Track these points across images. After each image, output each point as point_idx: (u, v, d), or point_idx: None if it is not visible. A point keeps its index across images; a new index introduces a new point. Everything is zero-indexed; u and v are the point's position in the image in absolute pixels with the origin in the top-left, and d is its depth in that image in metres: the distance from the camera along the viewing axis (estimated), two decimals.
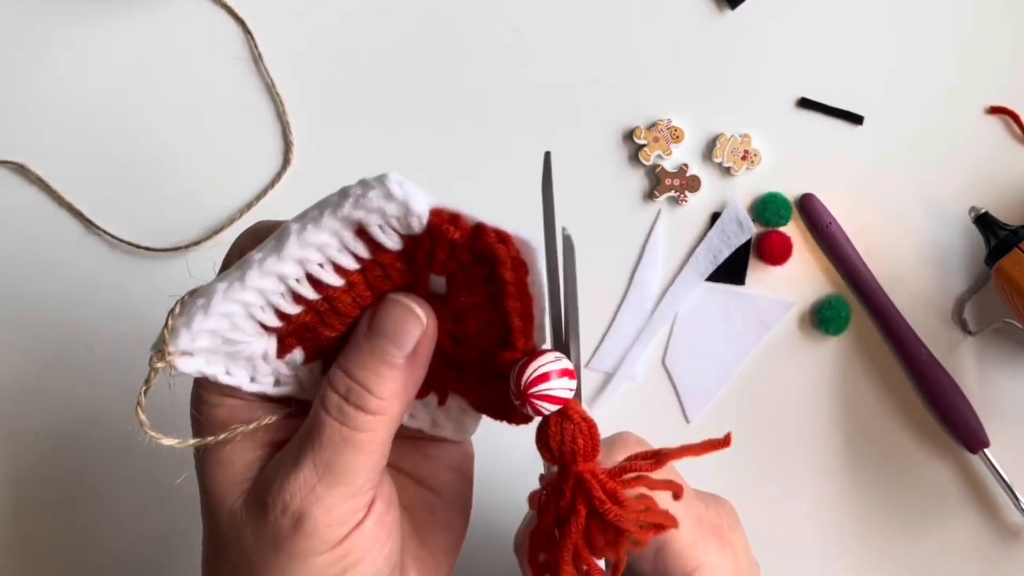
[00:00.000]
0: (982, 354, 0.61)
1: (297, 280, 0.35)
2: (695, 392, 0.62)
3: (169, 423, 0.40)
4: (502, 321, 0.36)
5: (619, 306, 0.62)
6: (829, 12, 0.62)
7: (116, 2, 0.63)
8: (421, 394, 0.38)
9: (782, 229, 0.62)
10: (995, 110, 0.61)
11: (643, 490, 0.37)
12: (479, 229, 0.35)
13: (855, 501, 0.62)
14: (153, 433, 0.37)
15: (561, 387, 0.36)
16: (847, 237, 0.61)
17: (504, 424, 0.39)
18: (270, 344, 0.37)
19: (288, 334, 0.37)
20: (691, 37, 0.62)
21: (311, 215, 0.36)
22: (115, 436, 0.63)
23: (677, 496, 0.37)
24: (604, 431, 0.40)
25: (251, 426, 0.38)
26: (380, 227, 0.35)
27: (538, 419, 0.36)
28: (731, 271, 0.62)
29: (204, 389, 0.39)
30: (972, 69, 0.62)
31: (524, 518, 0.45)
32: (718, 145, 0.61)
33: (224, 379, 0.37)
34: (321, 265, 0.35)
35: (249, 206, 0.62)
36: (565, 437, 0.36)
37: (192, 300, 0.36)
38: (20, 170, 0.63)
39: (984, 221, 0.59)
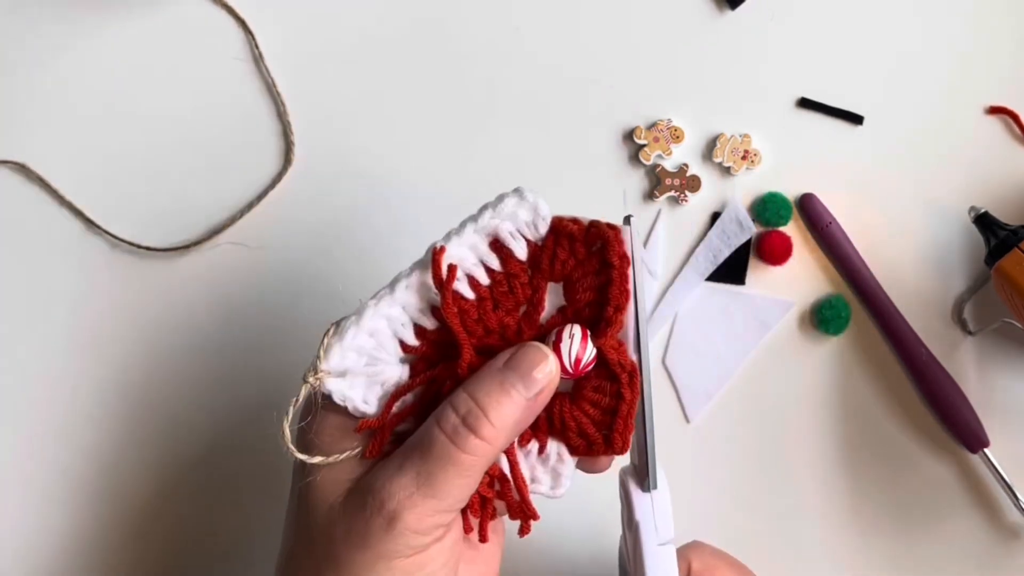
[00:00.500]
0: (982, 354, 0.61)
1: (435, 292, 0.41)
2: (695, 392, 0.62)
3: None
4: (603, 314, 0.42)
5: None
6: (829, 12, 0.62)
7: (116, 2, 0.63)
8: (524, 439, 0.42)
9: (782, 229, 0.62)
10: (995, 110, 0.61)
11: None
12: (593, 223, 0.42)
13: (855, 501, 0.62)
14: (296, 451, 0.40)
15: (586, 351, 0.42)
16: (847, 237, 0.61)
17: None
18: (404, 372, 0.41)
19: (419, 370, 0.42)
20: (691, 37, 0.62)
21: (452, 231, 0.41)
22: (115, 436, 0.63)
23: None
24: None
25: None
26: (511, 233, 0.41)
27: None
28: (731, 271, 0.62)
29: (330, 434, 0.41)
30: (972, 69, 0.62)
31: (620, 539, 0.48)
32: (718, 145, 0.61)
33: (361, 407, 0.41)
34: (458, 279, 0.41)
35: (249, 206, 0.62)
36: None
37: (344, 320, 0.40)
38: (21, 170, 0.63)
39: (984, 221, 0.59)
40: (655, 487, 0.44)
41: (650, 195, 0.62)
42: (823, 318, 0.61)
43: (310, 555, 0.40)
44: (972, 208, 0.59)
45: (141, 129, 0.63)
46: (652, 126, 0.62)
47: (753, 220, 0.61)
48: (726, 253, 0.62)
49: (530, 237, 0.42)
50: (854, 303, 0.62)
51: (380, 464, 0.40)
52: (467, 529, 0.42)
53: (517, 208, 0.41)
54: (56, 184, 0.63)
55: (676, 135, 0.61)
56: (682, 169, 0.62)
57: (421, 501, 0.38)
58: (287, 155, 0.63)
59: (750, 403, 0.62)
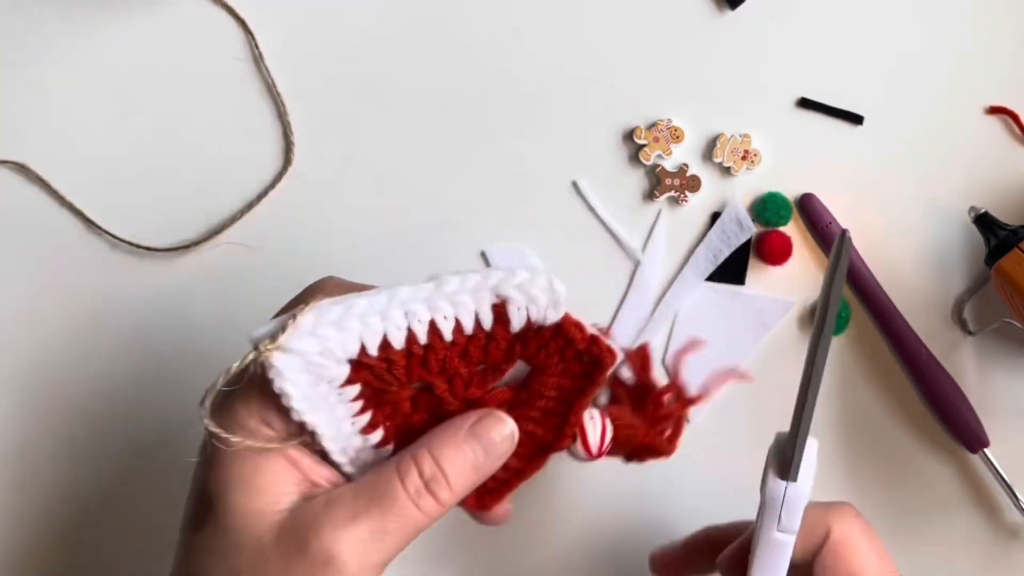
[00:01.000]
0: (982, 354, 0.61)
1: (420, 321, 0.40)
2: (695, 392, 0.62)
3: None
4: (564, 413, 0.43)
5: (619, 306, 0.62)
6: (829, 12, 0.62)
7: (116, 2, 0.63)
8: None
9: (782, 229, 0.62)
10: (995, 110, 0.61)
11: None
12: (595, 339, 0.43)
13: (855, 500, 0.61)
14: (215, 428, 0.39)
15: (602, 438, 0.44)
16: None
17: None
18: (344, 372, 0.40)
19: (375, 403, 0.41)
20: (691, 37, 0.62)
21: (470, 274, 0.41)
22: (116, 435, 0.63)
23: None
24: None
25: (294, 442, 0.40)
26: (519, 308, 0.41)
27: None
28: (731, 271, 0.62)
29: (248, 414, 0.39)
30: (972, 69, 0.62)
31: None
32: (718, 145, 0.61)
33: (302, 412, 0.39)
34: (445, 317, 0.40)
35: (249, 206, 0.62)
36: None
37: (327, 304, 0.39)
38: (21, 170, 0.63)
39: (984, 221, 0.59)
40: (794, 479, 0.45)
41: (650, 195, 0.62)
42: None
43: None
44: (972, 208, 0.59)
45: (141, 129, 0.63)
46: (652, 126, 0.62)
47: (753, 220, 0.61)
48: (726, 253, 0.62)
49: (533, 317, 0.42)
50: (854, 303, 0.62)
51: (320, 505, 0.39)
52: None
53: (540, 293, 0.41)
54: (56, 184, 0.63)
55: (676, 135, 0.61)
56: (682, 169, 0.62)
57: (373, 555, 0.38)
58: (287, 155, 0.63)
59: (750, 403, 0.62)
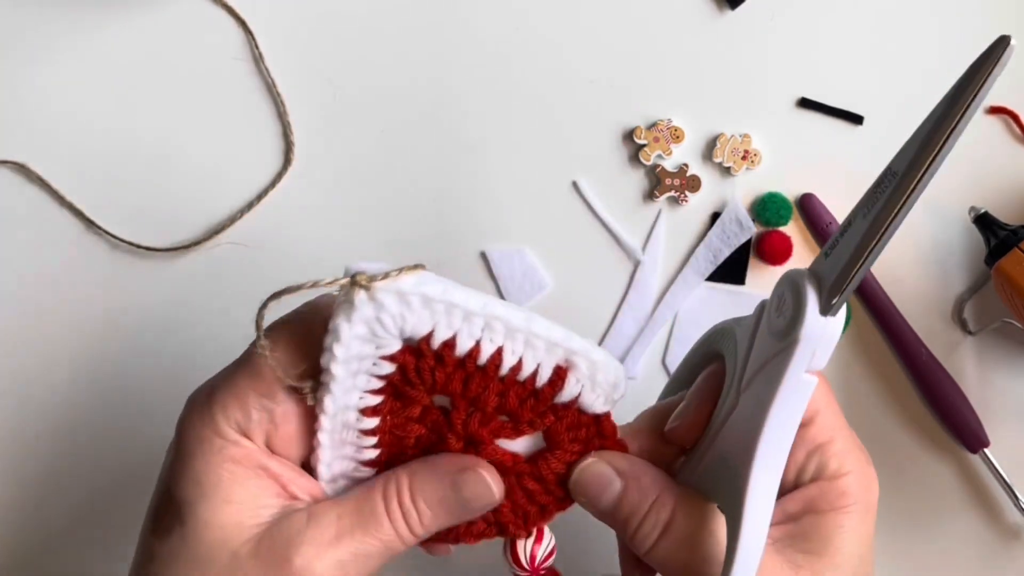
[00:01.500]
0: (982, 354, 0.61)
1: (491, 341, 0.39)
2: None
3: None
4: (541, 511, 0.43)
5: (619, 306, 0.62)
6: (829, 12, 0.62)
7: (116, 2, 0.63)
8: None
9: (782, 229, 0.62)
10: (995, 110, 0.61)
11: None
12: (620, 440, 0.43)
13: None
14: (262, 334, 0.39)
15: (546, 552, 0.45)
16: None
17: None
18: (392, 347, 0.39)
19: (392, 393, 0.40)
20: (691, 37, 0.62)
21: (557, 326, 0.40)
22: (116, 435, 0.63)
23: None
24: None
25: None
26: (578, 381, 0.40)
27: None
28: (731, 271, 0.62)
29: (226, 420, 0.39)
30: None
31: None
32: (718, 145, 0.61)
33: (336, 358, 0.38)
34: (513, 352, 0.39)
35: (249, 206, 0.62)
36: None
37: (430, 277, 0.39)
38: (21, 170, 0.63)
39: (984, 221, 0.59)
40: (834, 315, 0.38)
41: (650, 195, 0.62)
42: None
43: None
44: (972, 208, 0.59)
45: (141, 129, 0.63)
46: (652, 126, 0.62)
47: (753, 220, 0.61)
48: (726, 253, 0.62)
49: (582, 398, 0.41)
50: (854, 303, 0.62)
51: (300, 521, 0.38)
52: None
53: (603, 375, 0.40)
54: (56, 184, 0.63)
55: (676, 135, 0.61)
56: (682, 169, 0.62)
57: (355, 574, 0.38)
58: (287, 155, 0.63)
59: None
